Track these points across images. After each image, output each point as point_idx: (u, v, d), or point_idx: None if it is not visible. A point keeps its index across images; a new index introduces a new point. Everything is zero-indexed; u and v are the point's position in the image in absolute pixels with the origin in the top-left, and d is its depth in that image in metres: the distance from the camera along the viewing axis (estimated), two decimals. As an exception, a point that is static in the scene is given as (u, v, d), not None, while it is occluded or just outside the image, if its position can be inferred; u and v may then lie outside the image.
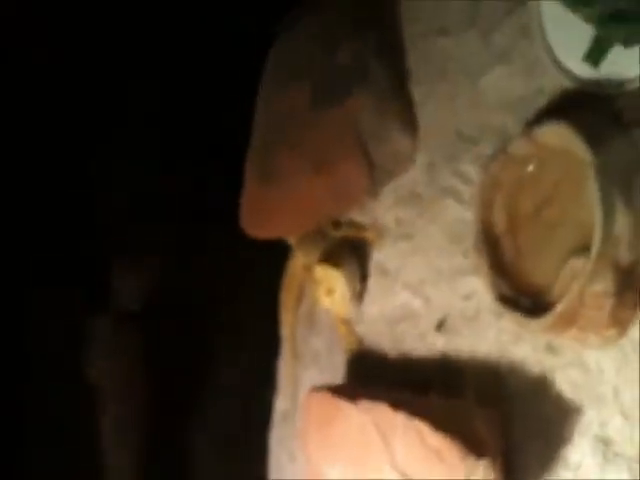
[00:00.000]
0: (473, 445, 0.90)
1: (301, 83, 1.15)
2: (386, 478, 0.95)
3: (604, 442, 0.90)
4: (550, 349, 0.96)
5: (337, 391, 1.07)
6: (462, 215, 1.06)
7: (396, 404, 0.97)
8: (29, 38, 1.45)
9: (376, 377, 1.14)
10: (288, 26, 1.23)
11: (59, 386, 1.42)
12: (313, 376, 1.27)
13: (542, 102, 1.00)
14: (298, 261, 1.28)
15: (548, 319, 0.88)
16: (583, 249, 0.88)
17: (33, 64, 1.45)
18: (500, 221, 0.99)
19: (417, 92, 1.15)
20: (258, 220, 1.21)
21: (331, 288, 1.15)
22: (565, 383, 0.94)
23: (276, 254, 1.32)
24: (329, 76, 1.13)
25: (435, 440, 0.90)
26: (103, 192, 1.50)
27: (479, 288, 1.02)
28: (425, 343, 1.09)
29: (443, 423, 0.92)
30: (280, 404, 1.33)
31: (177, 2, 1.42)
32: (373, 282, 1.17)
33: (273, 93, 1.21)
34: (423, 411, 0.96)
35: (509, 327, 1.00)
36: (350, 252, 1.18)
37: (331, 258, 1.17)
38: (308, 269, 1.24)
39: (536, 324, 0.90)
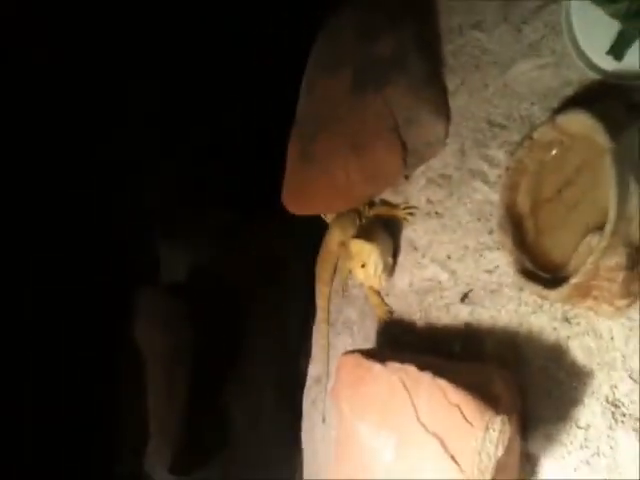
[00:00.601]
0: (491, 402, 0.98)
1: (343, 70, 1.24)
2: (412, 433, 1.04)
3: (613, 404, 0.98)
4: (566, 319, 1.05)
5: (368, 354, 1.16)
6: (489, 196, 1.15)
7: (422, 365, 1.06)
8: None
9: (405, 344, 1.23)
10: (332, 19, 1.32)
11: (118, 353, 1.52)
12: (345, 343, 1.36)
13: (568, 93, 1.08)
14: (334, 237, 1.37)
15: (565, 289, 0.97)
16: (599, 228, 0.96)
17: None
18: (524, 202, 1.07)
19: (451, 81, 1.24)
20: (298, 198, 1.30)
21: (365, 261, 1.23)
22: (578, 350, 1.02)
23: (313, 230, 1.41)
24: (369, 64, 1.21)
25: (456, 396, 0.99)
26: (152, 177, 1.59)
27: (502, 263, 1.12)
28: (450, 313, 1.18)
29: (464, 382, 1.01)
30: (313, 369, 1.42)
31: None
32: (403, 257, 1.26)
33: (316, 79, 1.29)
34: (446, 372, 1.05)
35: (529, 299, 1.09)
36: (383, 229, 1.26)
37: (365, 234, 1.25)
38: (343, 245, 1.33)
39: (555, 294, 0.98)
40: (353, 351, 1.18)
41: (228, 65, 1.54)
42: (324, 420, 1.35)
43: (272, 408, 1.51)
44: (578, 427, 1.00)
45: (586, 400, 1.00)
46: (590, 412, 1.00)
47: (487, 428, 0.96)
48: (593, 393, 1.00)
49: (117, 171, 1.56)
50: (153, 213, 1.58)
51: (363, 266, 1.23)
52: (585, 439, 0.99)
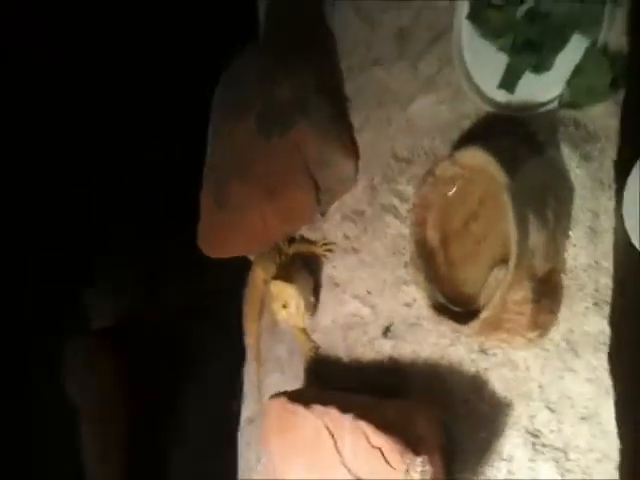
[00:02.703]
0: (412, 442, 0.98)
1: (247, 115, 1.23)
2: (338, 477, 1.04)
3: (533, 435, 0.99)
4: (482, 351, 1.06)
5: (293, 397, 1.15)
6: (401, 230, 1.16)
7: (344, 407, 1.06)
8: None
9: (332, 381, 1.23)
10: (233, 63, 1.31)
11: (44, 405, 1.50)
12: (276, 381, 1.35)
13: (466, 125, 1.09)
14: (257, 275, 1.36)
15: (475, 325, 0.98)
16: (505, 260, 0.97)
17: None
18: (433, 237, 1.07)
19: (356, 119, 1.24)
20: (215, 242, 1.29)
21: (286, 301, 1.23)
22: (497, 381, 1.03)
23: (237, 270, 1.40)
24: (272, 109, 1.21)
25: (377, 439, 0.99)
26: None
27: (419, 297, 1.11)
28: (374, 348, 1.18)
29: (386, 422, 1.01)
30: (246, 410, 1.41)
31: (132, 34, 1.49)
32: (325, 294, 1.26)
33: (222, 125, 1.28)
34: (369, 411, 1.05)
35: (447, 332, 1.09)
36: (303, 267, 1.26)
37: (285, 274, 1.25)
38: (267, 283, 1.33)
39: (467, 329, 0.99)
40: (278, 394, 1.18)
41: (131, 114, 1.53)
42: (259, 461, 1.35)
43: (209, 454, 1.50)
44: (502, 459, 1.01)
45: (507, 431, 1.01)
46: (512, 444, 1.01)
47: (408, 470, 0.97)
48: (514, 424, 1.01)
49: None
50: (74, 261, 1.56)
51: (284, 306, 1.23)
52: (508, 471, 1.00)
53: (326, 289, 1.26)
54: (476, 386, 1.05)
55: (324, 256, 1.27)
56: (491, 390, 1.04)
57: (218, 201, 1.25)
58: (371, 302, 1.19)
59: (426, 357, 1.12)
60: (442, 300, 1.06)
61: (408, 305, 1.15)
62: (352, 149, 1.22)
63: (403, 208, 1.16)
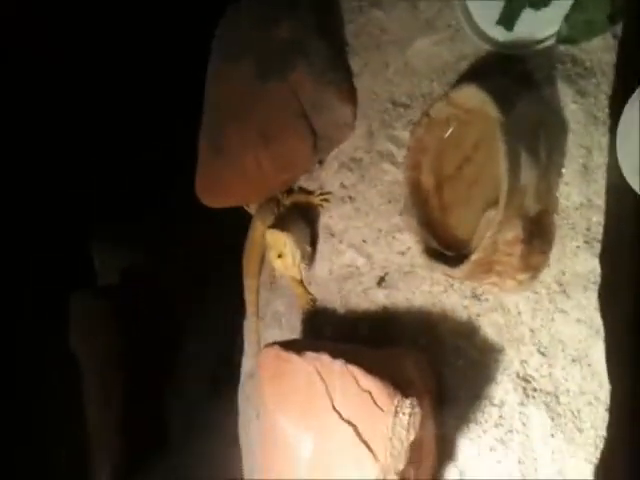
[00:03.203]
0: (401, 385, 0.97)
1: (245, 58, 1.21)
2: (330, 422, 1.03)
3: (524, 379, 0.97)
4: (475, 296, 1.04)
5: (286, 346, 1.14)
6: (397, 177, 1.14)
7: (335, 353, 1.04)
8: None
9: (328, 332, 1.21)
10: (232, 6, 1.30)
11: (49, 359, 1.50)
12: (274, 336, 1.33)
13: (465, 67, 1.07)
14: (257, 229, 1.35)
15: (466, 266, 0.96)
16: (494, 204, 0.95)
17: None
18: (427, 181, 1.06)
19: (355, 63, 1.22)
20: (211, 191, 1.28)
21: (281, 251, 1.22)
22: (488, 326, 1.02)
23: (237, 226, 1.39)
24: (271, 52, 1.19)
25: (367, 382, 0.97)
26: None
27: (413, 244, 1.09)
28: (368, 298, 1.16)
29: (376, 367, 1.00)
30: (246, 364, 1.39)
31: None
32: (322, 244, 1.24)
33: (220, 69, 1.26)
34: (360, 358, 1.04)
35: (440, 279, 1.08)
36: (299, 217, 1.24)
37: (280, 223, 1.23)
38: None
39: (458, 272, 0.97)
40: (273, 344, 1.17)
41: (134, 57, 1.53)
42: (258, 415, 1.34)
43: (209, 407, 1.50)
44: (492, 405, 0.99)
45: (499, 377, 1.00)
46: (503, 389, 0.99)
47: (397, 412, 0.95)
48: (505, 370, 0.99)
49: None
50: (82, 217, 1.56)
51: (280, 256, 1.22)
52: (500, 416, 0.99)
53: (323, 240, 1.24)
54: (468, 332, 1.04)
55: (321, 206, 1.25)
56: (483, 336, 1.02)
57: (214, 146, 1.24)
58: (366, 252, 1.17)
59: (419, 305, 1.10)
60: (435, 245, 1.04)
61: (402, 253, 1.13)
62: (351, 94, 1.20)
63: (400, 154, 1.14)
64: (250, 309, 1.39)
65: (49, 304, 1.53)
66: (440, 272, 1.02)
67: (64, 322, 1.50)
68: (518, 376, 0.98)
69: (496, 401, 0.99)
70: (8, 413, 1.47)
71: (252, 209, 1.39)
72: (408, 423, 0.96)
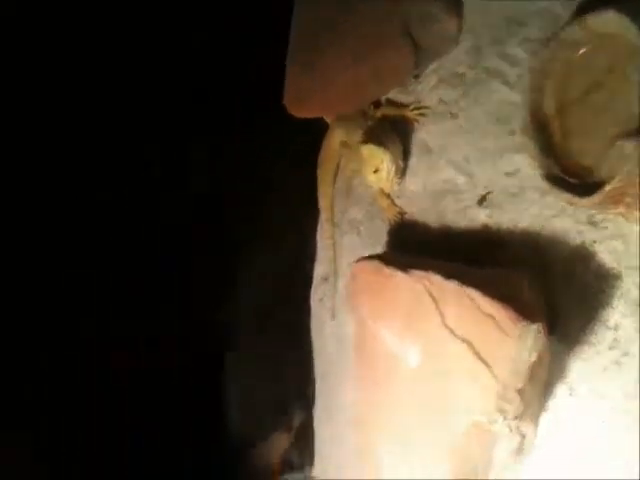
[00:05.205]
0: (524, 310, 0.99)
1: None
2: (438, 337, 1.05)
3: (642, 307, 1.00)
4: (591, 223, 1.04)
5: (386, 260, 1.14)
6: (508, 97, 1.11)
7: (442, 272, 1.05)
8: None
9: (419, 247, 1.22)
10: None
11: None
12: (353, 242, 1.33)
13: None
14: (335, 137, 1.32)
15: (598, 197, 0.96)
16: (629, 134, 0.95)
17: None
18: (549, 105, 1.04)
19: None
20: (301, 100, 1.23)
21: (377, 166, 1.19)
22: (605, 253, 1.03)
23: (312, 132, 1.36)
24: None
25: (489, 306, 0.99)
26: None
27: (524, 166, 1.09)
28: (467, 217, 1.16)
29: (494, 291, 1.01)
30: (320, 268, 1.40)
31: None
32: (416, 159, 1.22)
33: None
34: (472, 279, 1.05)
35: (552, 202, 1.07)
36: (392, 131, 1.22)
37: (375, 138, 1.20)
38: (347, 146, 1.29)
39: (586, 201, 0.97)
40: (371, 257, 1.17)
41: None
42: (334, 317, 1.36)
43: (278, 309, 1.52)
44: (607, 328, 1.02)
45: (615, 302, 1.02)
46: (619, 313, 1.01)
47: (521, 337, 0.98)
48: (622, 295, 1.01)
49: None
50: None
51: (376, 171, 1.20)
52: (614, 339, 1.01)
53: (417, 155, 1.22)
54: (581, 257, 1.05)
55: (416, 120, 1.22)
56: (598, 262, 1.03)
57: (305, 61, 1.18)
58: (468, 170, 1.16)
59: (525, 227, 1.10)
60: (557, 171, 1.04)
61: (510, 175, 1.12)
62: (457, 5, 1.15)
63: (512, 73, 1.11)
64: (325, 214, 1.38)
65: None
66: (563, 200, 1.03)
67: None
68: (635, 303, 1.00)
69: (611, 324, 1.02)
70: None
71: (329, 117, 1.36)
72: (531, 347, 0.99)
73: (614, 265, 1.02)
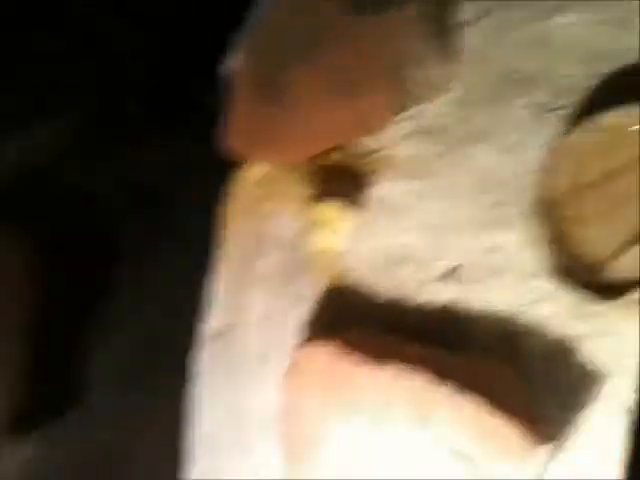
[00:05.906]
0: (531, 426, 0.88)
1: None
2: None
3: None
4: (580, 315, 0.95)
5: (347, 343, 0.95)
6: (498, 165, 0.98)
7: (441, 373, 0.90)
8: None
9: (362, 318, 1.04)
10: None
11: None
12: (260, 297, 1.12)
13: (626, 60, 0.92)
14: (249, 178, 1.08)
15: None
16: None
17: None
18: (562, 185, 0.93)
19: (468, 11, 0.99)
20: (256, 142, 0.98)
21: (330, 223, 1.00)
22: (592, 351, 0.94)
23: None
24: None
25: (494, 421, 0.86)
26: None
27: (507, 244, 0.98)
28: (428, 291, 1.01)
29: (498, 399, 0.89)
30: (214, 322, 1.15)
31: None
32: (374, 217, 1.04)
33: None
34: (451, 372, 0.91)
35: (534, 287, 0.96)
36: (349, 184, 1.02)
37: (328, 191, 1.00)
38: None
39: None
40: (326, 341, 0.97)
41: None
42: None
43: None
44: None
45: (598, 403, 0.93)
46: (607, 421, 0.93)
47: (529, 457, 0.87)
48: (610, 399, 0.93)
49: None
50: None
51: (327, 229, 1.00)
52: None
53: (376, 212, 1.03)
54: (564, 353, 0.96)
55: (374, 173, 1.03)
56: (581, 360, 0.95)
57: (270, 90, 0.93)
58: (434, 238, 1.01)
59: (499, 311, 0.97)
60: (564, 260, 0.94)
61: (489, 251, 0.99)
62: (454, 51, 0.98)
63: (509, 139, 0.97)
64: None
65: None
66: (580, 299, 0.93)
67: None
68: (624, 407, 0.93)
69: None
70: None
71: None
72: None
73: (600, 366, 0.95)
